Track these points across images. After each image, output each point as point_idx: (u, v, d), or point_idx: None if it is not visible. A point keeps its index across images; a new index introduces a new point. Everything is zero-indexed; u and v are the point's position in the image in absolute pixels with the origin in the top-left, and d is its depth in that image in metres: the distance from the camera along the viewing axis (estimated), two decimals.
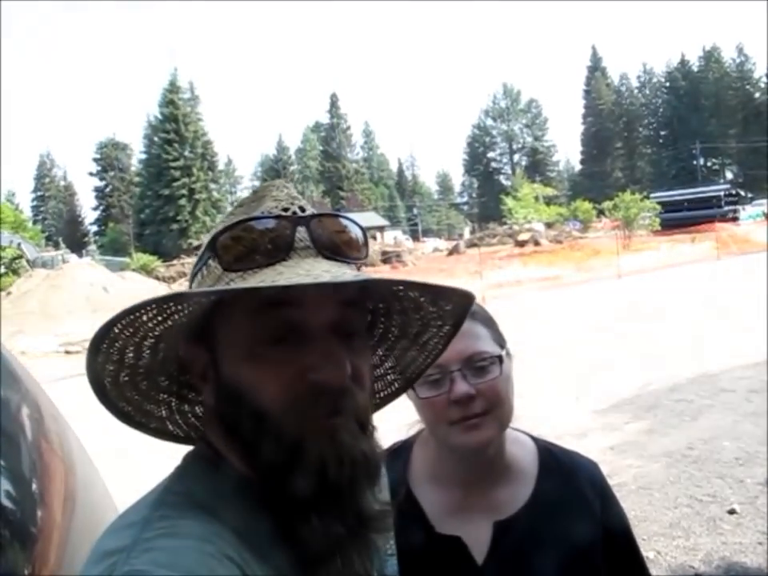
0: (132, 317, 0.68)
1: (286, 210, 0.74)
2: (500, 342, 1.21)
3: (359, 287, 0.74)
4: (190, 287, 0.78)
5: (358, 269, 0.78)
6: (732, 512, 4.45)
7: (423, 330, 0.89)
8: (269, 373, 0.70)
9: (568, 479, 1.24)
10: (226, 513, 0.67)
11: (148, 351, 0.75)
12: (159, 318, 0.71)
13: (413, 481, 1.25)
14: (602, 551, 1.20)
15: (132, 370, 0.76)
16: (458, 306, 0.85)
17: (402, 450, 1.31)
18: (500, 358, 1.18)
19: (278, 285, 0.65)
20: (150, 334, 0.72)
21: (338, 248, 0.74)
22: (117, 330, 0.69)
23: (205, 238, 0.78)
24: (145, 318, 0.70)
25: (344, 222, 0.77)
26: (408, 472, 1.26)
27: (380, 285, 0.79)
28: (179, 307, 0.70)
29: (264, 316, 0.69)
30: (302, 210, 0.75)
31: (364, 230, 0.79)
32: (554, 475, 1.24)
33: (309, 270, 0.68)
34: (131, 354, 0.74)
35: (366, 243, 0.78)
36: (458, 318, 0.87)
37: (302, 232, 0.73)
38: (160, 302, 0.68)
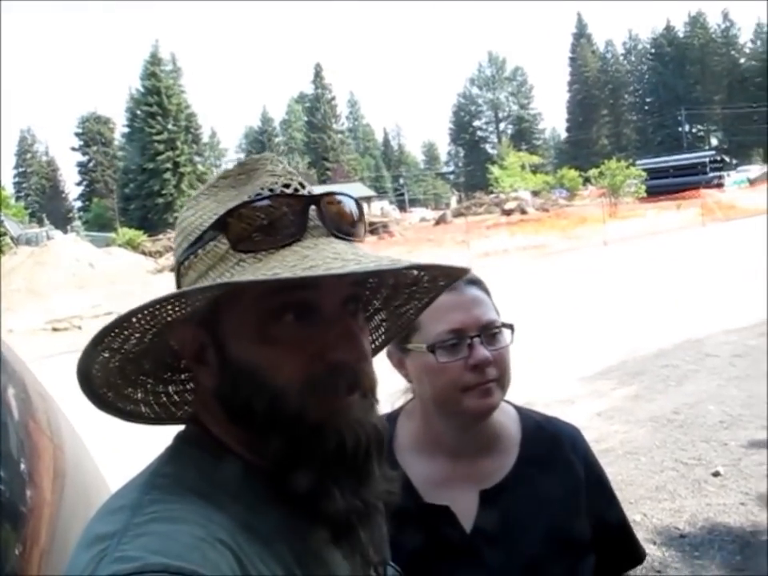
0: (155, 308, 0.67)
1: (286, 186, 0.72)
2: (497, 311, 1.25)
3: (398, 270, 0.75)
4: (178, 270, 0.76)
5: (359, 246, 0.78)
6: (716, 474, 4.53)
7: (406, 302, 0.89)
8: (286, 353, 0.69)
9: (551, 445, 1.27)
10: (219, 496, 0.67)
11: (150, 337, 0.73)
12: (182, 303, 0.69)
13: (399, 452, 1.26)
14: (586, 515, 1.23)
15: (124, 356, 0.75)
16: (450, 280, 0.86)
17: (387, 421, 1.32)
18: (512, 327, 1.22)
19: (333, 273, 0.64)
20: (163, 322, 0.71)
21: (343, 227, 0.74)
22: (134, 320, 0.68)
23: (188, 216, 0.75)
24: (169, 307, 0.68)
25: (341, 197, 0.76)
26: (394, 444, 1.27)
27: (418, 269, 0.80)
28: (207, 294, 0.68)
29: (281, 297, 0.68)
30: (302, 186, 0.74)
31: (361, 206, 0.78)
32: (537, 442, 1.26)
33: (337, 253, 0.67)
34: (134, 341, 0.72)
35: (362, 220, 0.78)
36: (439, 291, 0.87)
37: (311, 211, 0.72)
38: (201, 292, 0.67)
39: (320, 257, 0.67)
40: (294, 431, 0.69)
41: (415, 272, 0.83)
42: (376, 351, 0.96)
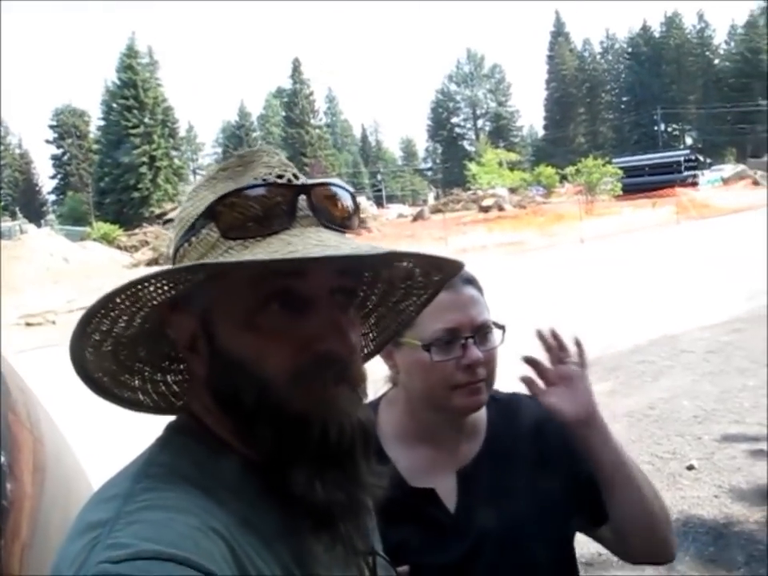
0: (137, 287, 0.67)
1: (280, 176, 0.73)
2: (488, 309, 1.27)
3: (361, 258, 0.73)
4: (174, 257, 0.76)
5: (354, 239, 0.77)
6: (690, 468, 4.61)
7: (404, 298, 0.89)
8: (272, 342, 0.69)
9: (514, 418, 1.31)
10: (213, 486, 0.67)
11: (139, 321, 0.73)
12: (165, 288, 0.69)
13: (382, 439, 1.28)
14: (557, 477, 1.26)
15: (116, 339, 0.74)
16: (445, 276, 0.86)
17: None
18: (503, 328, 1.26)
19: (309, 256, 0.64)
20: (149, 305, 0.71)
21: (335, 217, 0.74)
22: (118, 301, 0.68)
23: (187, 206, 0.76)
24: (151, 288, 0.68)
25: (336, 189, 0.76)
26: (377, 432, 1.28)
27: (400, 258, 0.79)
28: (189, 277, 0.69)
29: (267, 285, 0.68)
30: (296, 177, 0.74)
31: (355, 198, 0.78)
32: (502, 418, 1.30)
33: (321, 241, 0.67)
34: (122, 324, 0.72)
35: (357, 211, 0.78)
36: (438, 287, 0.87)
37: (301, 200, 0.72)
38: (174, 273, 0.67)
39: (302, 244, 0.67)
40: (280, 422, 0.69)
41: (406, 264, 0.83)
42: (378, 348, 0.96)
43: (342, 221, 0.75)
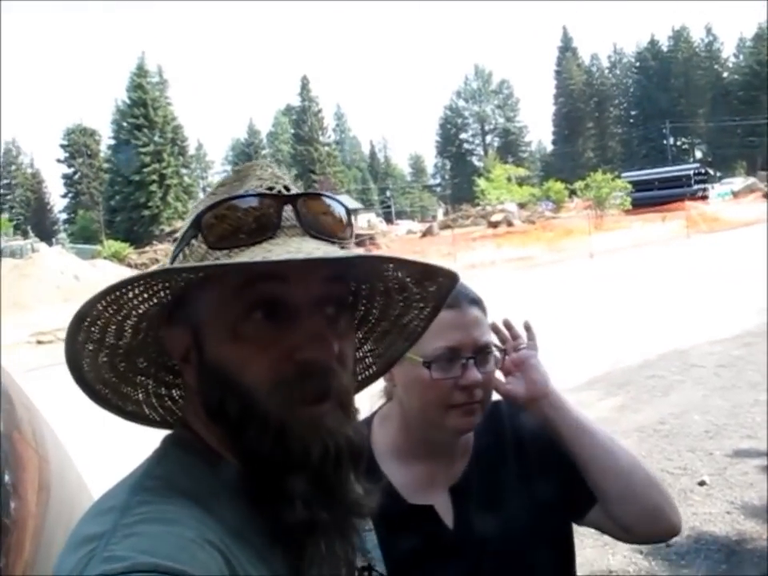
0: (117, 293, 0.67)
1: (270, 189, 0.73)
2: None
3: (346, 265, 0.73)
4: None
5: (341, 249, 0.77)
6: (702, 483, 4.56)
7: (405, 311, 0.89)
8: (254, 352, 0.69)
9: (497, 428, 1.32)
10: (208, 498, 0.67)
11: (130, 330, 0.74)
12: (145, 296, 0.70)
13: (377, 456, 1.28)
14: (544, 476, 1.26)
15: (111, 350, 0.75)
16: (442, 287, 0.85)
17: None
18: (504, 351, 1.28)
19: (271, 260, 0.64)
20: (134, 313, 0.71)
21: (324, 227, 0.74)
22: (101, 308, 0.68)
23: (187, 217, 0.77)
24: (131, 294, 0.68)
25: (329, 201, 0.76)
26: (370, 449, 1.28)
27: (370, 261, 0.78)
28: (166, 285, 0.70)
29: (249, 294, 0.68)
30: (287, 189, 0.74)
31: (349, 210, 0.78)
32: (487, 430, 1.30)
33: (299, 248, 0.68)
34: (112, 334, 0.73)
35: (350, 223, 0.78)
36: (439, 300, 0.87)
37: (288, 211, 0.72)
38: (147, 278, 0.67)
39: (281, 250, 0.67)
40: (264, 434, 0.69)
41: (398, 274, 0.82)
42: (386, 365, 0.96)
43: (332, 231, 0.75)
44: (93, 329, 0.70)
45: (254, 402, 0.68)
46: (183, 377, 0.79)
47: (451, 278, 0.83)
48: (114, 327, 0.72)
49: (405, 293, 0.86)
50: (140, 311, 0.71)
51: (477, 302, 1.24)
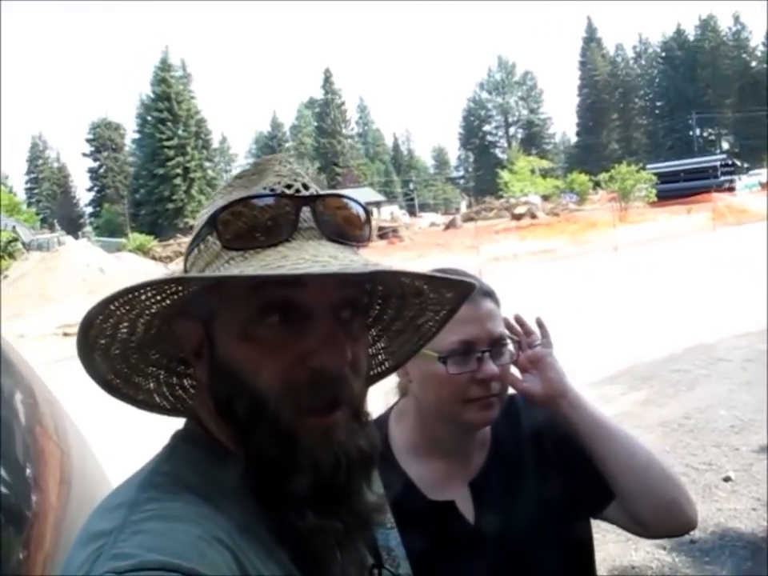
0: (130, 296, 0.68)
1: (288, 186, 0.72)
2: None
3: (369, 277, 0.72)
4: (186, 263, 0.77)
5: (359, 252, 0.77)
6: (727, 479, 4.50)
7: (420, 313, 0.88)
8: (266, 355, 0.68)
9: (515, 423, 1.31)
10: (216, 495, 0.67)
11: (142, 327, 0.74)
12: (158, 298, 0.70)
13: (395, 452, 1.28)
14: (562, 471, 1.26)
15: (124, 344, 0.75)
16: (459, 294, 0.85)
17: (378, 423, 1.33)
18: (519, 344, 1.27)
19: (283, 274, 0.64)
20: (146, 312, 0.72)
21: (342, 230, 0.73)
22: (113, 308, 0.68)
23: (203, 213, 0.76)
24: (143, 297, 0.69)
25: (348, 202, 0.75)
26: (389, 446, 1.29)
27: (387, 275, 0.77)
28: (179, 288, 0.70)
29: (264, 296, 0.68)
30: (306, 187, 0.73)
31: (367, 210, 0.77)
32: (503, 422, 1.29)
33: (315, 255, 0.66)
34: (125, 330, 0.73)
35: (368, 224, 0.77)
36: (455, 304, 0.86)
37: (305, 212, 0.71)
38: (160, 284, 0.67)
39: (296, 257, 0.66)
40: (274, 438, 0.68)
41: (414, 282, 0.82)
42: (398, 363, 0.95)
43: (350, 233, 0.74)
44: (105, 325, 0.71)
45: (264, 404, 0.68)
46: (195, 371, 0.79)
47: (468, 286, 0.83)
48: (126, 324, 0.72)
49: (421, 297, 0.86)
50: (153, 311, 0.72)
51: (489, 294, 1.24)
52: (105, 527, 0.62)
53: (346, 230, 0.73)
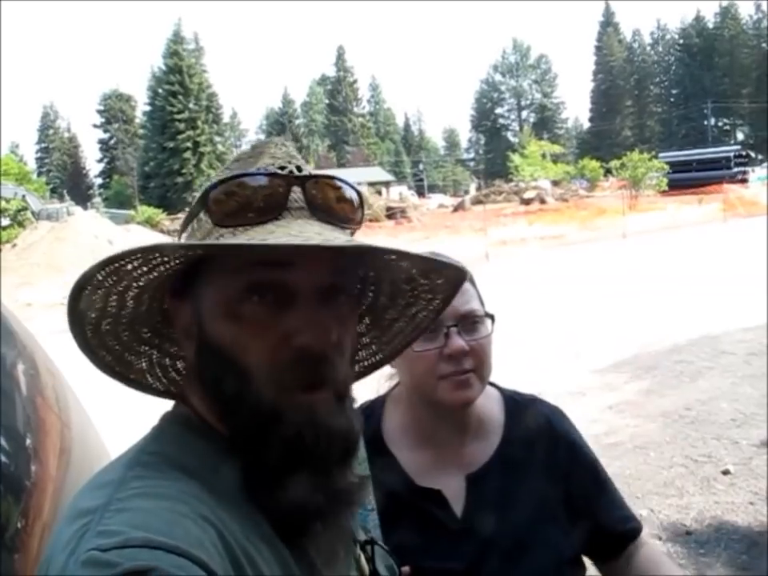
0: (116, 265, 0.67)
1: (282, 168, 0.72)
2: (482, 301, 1.25)
3: (351, 252, 0.72)
4: (179, 239, 0.77)
5: (352, 234, 0.77)
6: (726, 472, 4.51)
7: (413, 301, 0.88)
8: (252, 334, 0.69)
9: (533, 426, 1.28)
10: (203, 473, 0.68)
11: (132, 301, 0.74)
12: (144, 269, 0.70)
13: (388, 438, 1.28)
14: (573, 494, 1.25)
15: (114, 319, 0.75)
16: (450, 280, 0.84)
17: (374, 408, 1.34)
18: (492, 318, 1.22)
19: (262, 244, 0.64)
20: (134, 285, 0.72)
21: (332, 211, 0.73)
22: (100, 278, 0.68)
23: (199, 191, 0.76)
24: (129, 267, 0.68)
25: (341, 184, 0.75)
26: (382, 429, 1.29)
27: (371, 252, 0.76)
28: (164, 259, 0.70)
29: (250, 274, 0.68)
30: (299, 169, 0.73)
31: (361, 194, 0.77)
32: (520, 423, 1.28)
33: (300, 231, 0.67)
34: (114, 303, 0.73)
35: (361, 207, 0.76)
36: (448, 293, 0.86)
37: (296, 192, 0.71)
38: (143, 252, 0.67)
39: (283, 232, 0.67)
40: (258, 416, 0.69)
41: (402, 264, 0.81)
42: (395, 355, 0.95)
43: (341, 215, 0.74)
44: (94, 297, 0.70)
45: (249, 383, 0.69)
46: (185, 351, 0.79)
47: (460, 272, 0.82)
48: (115, 297, 0.72)
49: (412, 283, 0.85)
50: (140, 283, 0.72)
51: None
52: (91, 505, 0.62)
53: (338, 211, 0.74)
